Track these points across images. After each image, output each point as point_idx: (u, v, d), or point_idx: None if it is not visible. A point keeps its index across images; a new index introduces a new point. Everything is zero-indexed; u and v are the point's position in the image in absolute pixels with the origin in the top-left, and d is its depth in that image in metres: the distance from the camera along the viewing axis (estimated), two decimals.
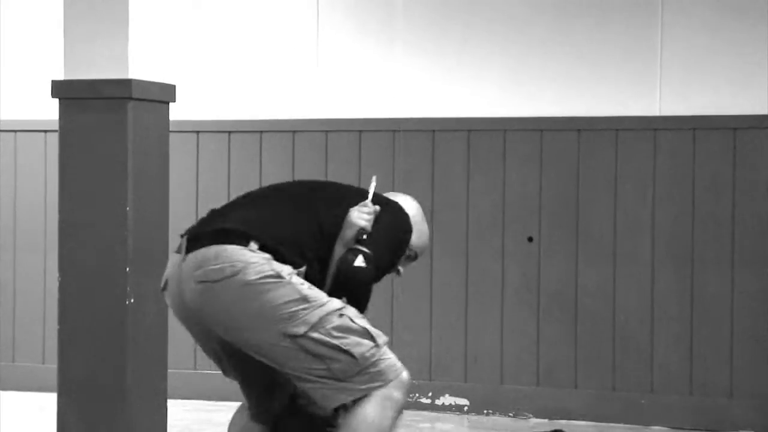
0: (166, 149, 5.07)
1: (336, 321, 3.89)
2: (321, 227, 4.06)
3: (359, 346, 3.90)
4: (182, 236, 4.10)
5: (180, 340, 7.32)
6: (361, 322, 3.95)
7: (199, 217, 4.25)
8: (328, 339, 3.87)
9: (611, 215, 7.15)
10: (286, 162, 7.65)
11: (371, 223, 4.09)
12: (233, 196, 7.57)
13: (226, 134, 7.79)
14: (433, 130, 7.35)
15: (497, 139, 7.23)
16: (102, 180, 4.85)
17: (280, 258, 3.91)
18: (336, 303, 3.93)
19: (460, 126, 7.31)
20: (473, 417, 7.24)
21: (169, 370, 5.11)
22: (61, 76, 4.99)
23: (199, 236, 3.99)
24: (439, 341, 7.37)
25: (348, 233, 4.06)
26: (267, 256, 3.89)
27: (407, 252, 4.35)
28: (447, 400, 7.31)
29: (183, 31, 7.77)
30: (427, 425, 7.00)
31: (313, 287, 3.93)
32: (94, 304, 4.84)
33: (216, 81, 7.81)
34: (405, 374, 3.99)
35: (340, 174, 7.45)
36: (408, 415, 7.22)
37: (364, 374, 3.91)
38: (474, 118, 7.24)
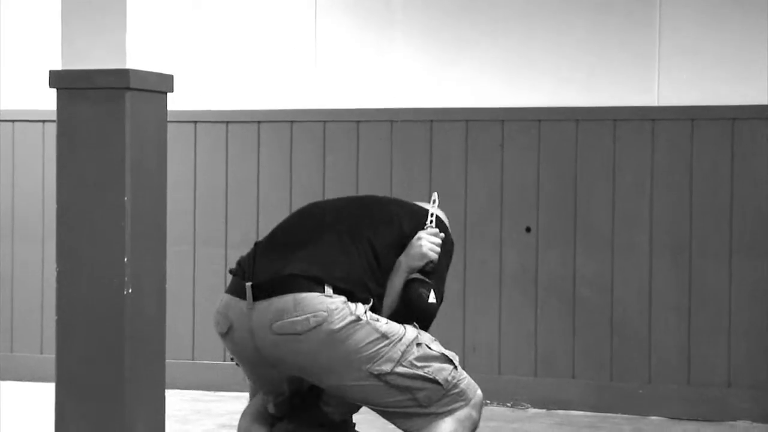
0: (164, 139, 5.04)
1: (416, 352, 3.95)
2: (377, 259, 4.06)
3: (442, 371, 3.97)
4: (233, 274, 4.08)
5: (178, 330, 7.33)
6: (437, 347, 4.02)
7: (247, 254, 4.19)
8: (412, 371, 3.93)
9: (609, 206, 7.14)
10: (284, 152, 7.64)
11: (440, 247, 4.12)
12: (231, 188, 7.61)
13: (224, 124, 7.78)
14: (431, 121, 7.33)
15: (495, 130, 7.21)
16: (100, 170, 4.82)
17: (353, 298, 3.92)
18: (411, 333, 3.99)
19: (458, 116, 7.29)
20: None
21: (167, 361, 5.08)
22: (58, 66, 4.96)
23: (265, 283, 3.95)
24: (437, 331, 7.33)
25: (417, 263, 4.08)
26: (343, 299, 3.89)
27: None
28: None
29: (181, 21, 7.75)
30: None
31: (388, 321, 3.97)
32: (92, 295, 4.82)
33: (214, 71, 7.79)
34: (479, 392, 4.09)
35: (338, 164, 7.44)
36: None
37: (447, 397, 3.98)
38: (472, 108, 7.22)
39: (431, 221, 4.15)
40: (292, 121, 7.64)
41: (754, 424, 6.41)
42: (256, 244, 4.16)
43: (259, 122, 7.72)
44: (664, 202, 7.04)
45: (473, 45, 7.34)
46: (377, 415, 4.11)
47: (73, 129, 4.87)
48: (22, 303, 8.07)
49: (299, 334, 3.86)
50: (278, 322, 3.88)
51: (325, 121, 7.56)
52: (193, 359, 7.73)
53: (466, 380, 4.03)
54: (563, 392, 7.20)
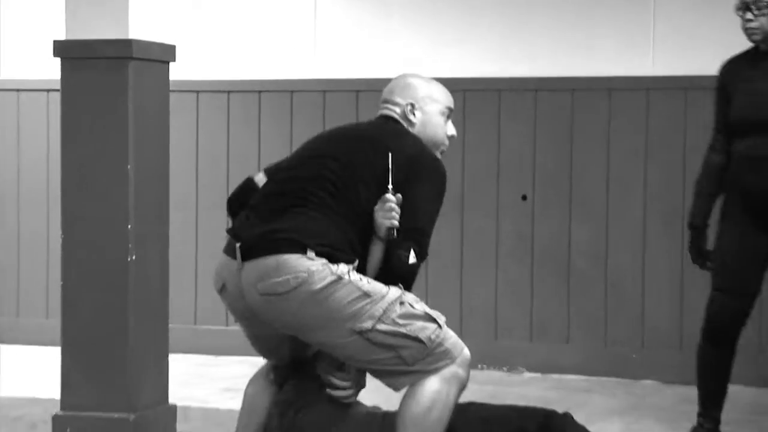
0: (166, 108, 5.08)
1: (399, 310, 3.94)
2: (360, 219, 4.05)
3: (424, 330, 3.95)
4: (229, 234, 4.11)
5: (181, 295, 7.37)
6: (421, 306, 4.00)
7: (239, 214, 4.20)
8: (394, 328, 3.93)
9: (604, 174, 7.17)
10: (284, 121, 7.67)
11: (398, 215, 4.08)
12: (233, 157, 7.65)
13: (226, 94, 7.80)
14: None
15: (492, 99, 7.24)
16: (104, 138, 4.87)
17: (334, 259, 3.95)
18: (394, 292, 3.98)
19: (456, 86, 7.26)
20: None
21: (170, 326, 5.14)
22: (62, 36, 4.99)
23: (253, 245, 3.99)
24: (435, 297, 7.39)
25: (383, 235, 4.08)
26: (324, 260, 3.92)
27: (445, 116, 4.34)
28: None
29: None
30: None
31: (371, 281, 3.98)
32: (97, 261, 4.87)
33: (215, 42, 7.81)
34: (466, 351, 4.05)
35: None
36: None
37: (431, 356, 3.96)
38: (469, 78, 7.24)
39: (390, 189, 4.10)
40: (292, 91, 7.67)
41: (746, 387, 6.46)
42: (251, 205, 4.18)
43: (259, 92, 7.75)
44: (658, 171, 7.07)
45: (471, 15, 7.37)
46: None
47: (77, 98, 4.91)
48: (27, 269, 8.11)
49: (281, 294, 3.92)
50: (262, 283, 3.95)
51: (324, 91, 7.59)
52: (195, 324, 7.78)
53: (451, 340, 4.02)
54: (558, 357, 7.25)
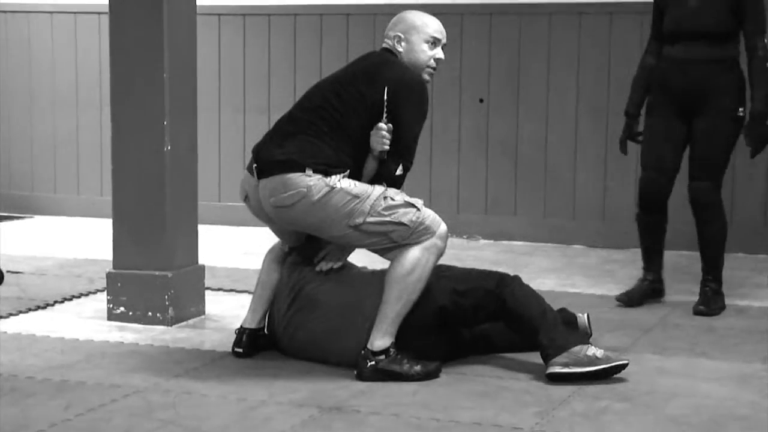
0: (193, 28, 5.03)
1: (383, 203, 4.00)
2: (351, 139, 4.08)
3: (406, 214, 4.01)
4: (253, 153, 4.16)
5: (207, 177, 7.36)
6: (400, 197, 4.06)
7: (263, 136, 4.24)
8: (381, 219, 4.00)
9: (545, 81, 7.14)
10: (288, 40, 7.59)
11: (388, 140, 4.07)
12: (248, 68, 7.57)
13: (242, 17, 7.72)
14: None
15: (456, 21, 7.17)
16: (144, 52, 4.82)
17: (328, 173, 3.99)
18: (378, 190, 4.05)
19: (427, 12, 7.20)
20: None
21: (199, 202, 5.13)
22: None
23: (265, 166, 4.05)
24: (409, 179, 7.38)
25: (375, 154, 4.11)
26: (320, 176, 3.98)
27: (429, 43, 4.24)
28: None
29: None
30: None
31: (358, 184, 4.04)
32: (140, 150, 4.85)
33: None
34: (443, 226, 4.11)
35: (331, 51, 7.41)
36: None
37: (415, 233, 4.02)
38: (438, 4, 7.15)
39: (384, 120, 4.09)
40: (295, 14, 7.59)
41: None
42: (272, 128, 4.22)
43: (269, 15, 7.67)
44: (588, 78, 7.04)
45: None
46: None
47: (122, 20, 4.85)
48: (84, 155, 8.09)
49: (289, 206, 4.00)
50: (272, 198, 4.04)
51: (321, 15, 7.51)
52: (219, 201, 7.78)
53: (430, 218, 4.07)
54: (507, 227, 7.28)
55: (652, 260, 5.34)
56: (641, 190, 5.28)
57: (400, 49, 4.23)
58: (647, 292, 5.31)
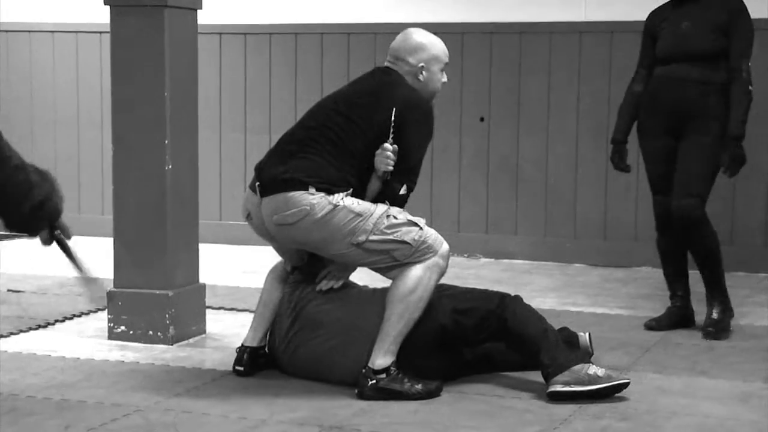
0: (195, 47, 5.04)
1: (386, 222, 4.02)
2: (354, 158, 4.08)
3: (409, 233, 4.03)
4: (255, 171, 4.17)
5: (208, 195, 7.37)
6: (403, 215, 4.07)
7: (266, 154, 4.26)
8: (384, 237, 4.01)
9: (545, 99, 7.15)
10: (289, 58, 7.61)
11: (393, 161, 4.08)
12: (249, 87, 7.59)
13: (243, 36, 7.74)
14: None
15: (457, 40, 7.19)
16: (145, 71, 4.83)
17: (331, 192, 4.01)
18: (381, 208, 4.06)
19: (428, 30, 7.24)
20: None
21: (199, 221, 5.13)
22: None
23: (268, 184, 4.06)
24: (411, 199, 7.39)
25: (379, 174, 4.12)
26: (323, 194, 4.00)
27: (442, 70, 4.27)
28: None
29: None
30: None
31: (361, 202, 4.05)
32: (141, 169, 4.85)
33: None
34: (446, 245, 4.13)
35: (332, 68, 7.42)
36: None
37: (418, 251, 4.04)
38: (439, 23, 7.18)
39: (390, 141, 4.10)
40: (296, 33, 7.61)
41: (654, 269, 6.50)
42: (274, 146, 4.22)
43: (270, 34, 7.69)
44: (588, 97, 7.06)
45: None
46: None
47: (124, 39, 4.86)
48: (85, 174, 8.10)
49: (291, 224, 4.01)
50: (275, 216, 4.05)
51: (322, 33, 7.53)
52: (220, 220, 7.79)
53: (432, 236, 4.08)
54: (508, 245, 7.28)
55: (677, 285, 5.28)
56: (656, 215, 5.27)
57: (422, 80, 4.22)
58: (676, 318, 5.23)
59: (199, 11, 5.03)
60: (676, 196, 5.05)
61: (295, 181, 4.01)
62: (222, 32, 7.73)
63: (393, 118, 4.07)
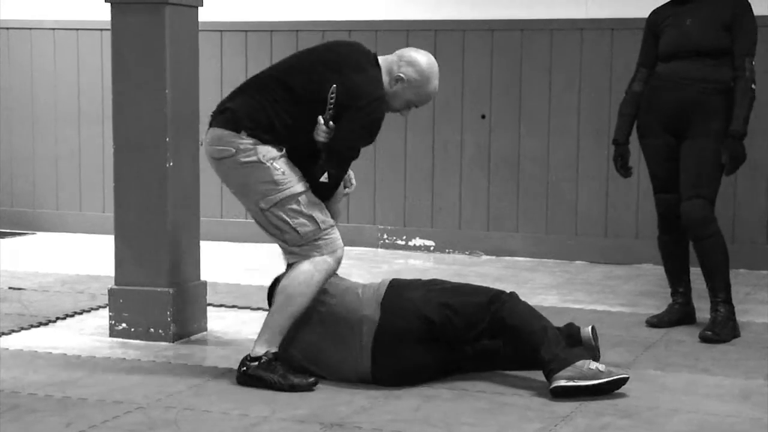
0: (195, 44, 5.04)
1: (292, 205, 4.07)
2: (294, 118, 4.08)
3: (304, 227, 4.08)
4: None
5: (209, 193, 7.38)
6: (311, 210, 4.09)
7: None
8: (282, 215, 4.07)
9: (546, 97, 7.15)
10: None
11: (329, 136, 4.06)
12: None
13: (243, 33, 7.74)
14: (407, 31, 7.30)
15: (458, 37, 7.20)
16: (146, 68, 4.83)
17: (263, 142, 4.04)
18: (298, 189, 4.08)
19: (429, 27, 7.27)
20: (437, 255, 7.32)
21: (201, 218, 5.14)
22: None
23: (215, 115, 4.20)
24: (412, 196, 7.41)
25: (319, 146, 4.12)
26: (253, 141, 4.04)
27: (409, 106, 4.21)
28: (417, 241, 7.38)
29: None
30: (401, 261, 7.08)
31: (286, 172, 4.06)
32: (142, 167, 4.85)
33: None
34: (340, 251, 4.17)
35: None
36: (386, 253, 7.30)
37: (305, 246, 4.10)
38: (440, 20, 7.19)
39: (327, 117, 4.06)
40: (297, 31, 7.61)
41: (655, 266, 6.51)
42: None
43: (271, 31, 7.69)
44: (589, 95, 7.06)
45: None
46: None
47: (125, 36, 4.86)
48: (87, 172, 8.10)
49: (217, 159, 4.12)
50: (209, 147, 4.16)
51: (323, 31, 7.53)
52: (221, 217, 7.79)
53: (328, 241, 4.10)
54: (509, 243, 7.29)
55: (678, 283, 5.27)
56: (659, 213, 5.26)
57: (395, 87, 4.14)
58: (678, 316, 5.21)
59: (200, 8, 5.03)
60: (684, 198, 5.03)
61: (230, 120, 4.08)
62: (223, 29, 7.73)
63: (331, 94, 4.04)
